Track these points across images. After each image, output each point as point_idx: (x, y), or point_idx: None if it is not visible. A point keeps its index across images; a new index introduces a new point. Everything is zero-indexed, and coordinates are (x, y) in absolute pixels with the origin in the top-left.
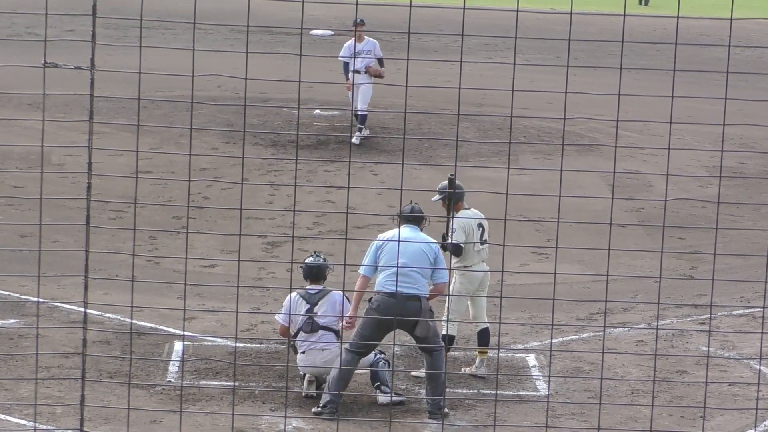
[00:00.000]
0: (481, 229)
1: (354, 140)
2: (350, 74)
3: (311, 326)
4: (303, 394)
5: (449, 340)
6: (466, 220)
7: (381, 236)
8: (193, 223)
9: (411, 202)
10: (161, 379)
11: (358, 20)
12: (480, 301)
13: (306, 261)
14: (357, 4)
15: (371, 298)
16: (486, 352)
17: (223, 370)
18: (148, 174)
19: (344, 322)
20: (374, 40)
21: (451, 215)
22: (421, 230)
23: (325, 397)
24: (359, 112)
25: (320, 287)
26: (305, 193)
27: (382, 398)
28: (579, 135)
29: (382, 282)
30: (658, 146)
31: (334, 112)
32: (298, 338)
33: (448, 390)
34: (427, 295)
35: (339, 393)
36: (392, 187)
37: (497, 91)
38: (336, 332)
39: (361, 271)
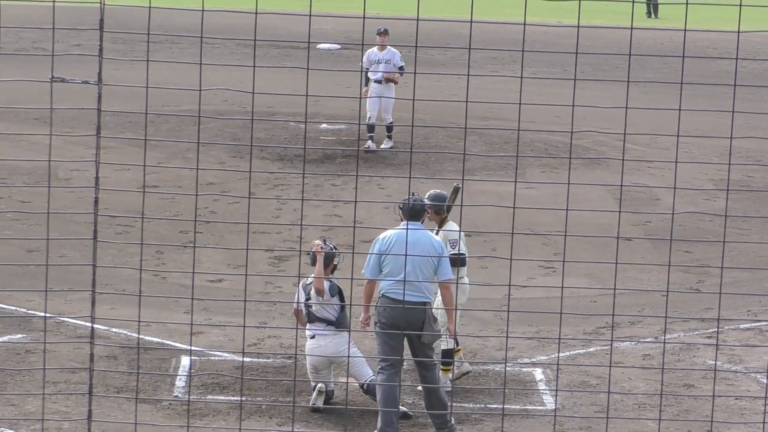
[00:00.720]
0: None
1: (378, 146)
2: (369, 83)
3: (308, 316)
4: (311, 405)
5: (448, 354)
6: (454, 230)
7: (382, 236)
8: (199, 237)
9: (413, 193)
10: (168, 393)
11: (382, 29)
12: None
13: (312, 250)
14: (364, 18)
15: (376, 309)
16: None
17: (230, 385)
18: (155, 188)
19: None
20: (395, 50)
21: (443, 226)
22: (422, 223)
23: (380, 424)
24: (387, 123)
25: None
26: (312, 207)
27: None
28: (586, 148)
29: (386, 288)
30: (665, 159)
31: (341, 126)
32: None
33: (455, 404)
34: (432, 300)
35: (394, 419)
36: (399, 201)
37: (504, 105)
38: (333, 323)
39: (366, 274)
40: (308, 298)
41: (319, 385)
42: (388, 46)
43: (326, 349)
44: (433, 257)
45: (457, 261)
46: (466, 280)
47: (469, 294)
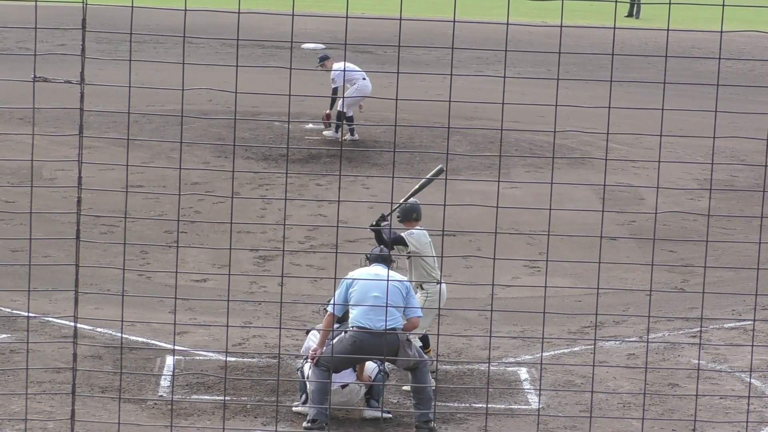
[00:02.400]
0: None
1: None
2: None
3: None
4: (294, 407)
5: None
6: (420, 234)
7: (351, 274)
8: (184, 237)
9: (380, 245)
10: (152, 393)
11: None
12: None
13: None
14: (347, 17)
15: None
16: (429, 351)
17: (214, 385)
18: (139, 188)
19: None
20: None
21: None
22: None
23: (312, 413)
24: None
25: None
26: (297, 206)
27: (369, 412)
28: (570, 148)
29: (357, 317)
30: (650, 159)
31: (327, 131)
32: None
33: (439, 404)
34: (402, 326)
35: (325, 407)
36: (383, 200)
37: (489, 105)
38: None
39: (329, 308)
40: None
41: (314, 415)
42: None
43: (354, 399)
44: (401, 293)
45: (393, 237)
46: (438, 283)
47: (446, 296)
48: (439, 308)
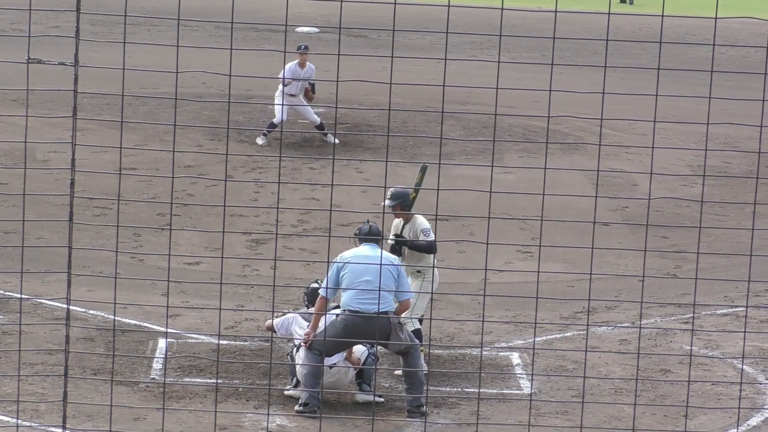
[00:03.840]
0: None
1: (334, 139)
2: (283, 96)
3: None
4: (286, 391)
5: (417, 334)
6: (426, 222)
7: (341, 256)
8: (177, 220)
9: (367, 221)
10: (145, 376)
11: (303, 47)
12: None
13: (311, 286)
14: (342, 1)
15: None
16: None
17: (206, 368)
18: (132, 171)
19: (302, 339)
20: (313, 67)
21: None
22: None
23: (304, 396)
24: (317, 124)
25: None
26: (290, 190)
27: (361, 396)
28: (564, 134)
29: (348, 301)
30: (643, 145)
31: (320, 110)
32: (297, 354)
33: (431, 388)
34: (394, 310)
35: (316, 390)
36: (377, 184)
37: (483, 90)
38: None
39: (321, 291)
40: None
41: (306, 398)
42: (308, 63)
43: (343, 380)
44: (392, 275)
45: (427, 248)
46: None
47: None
48: (432, 292)
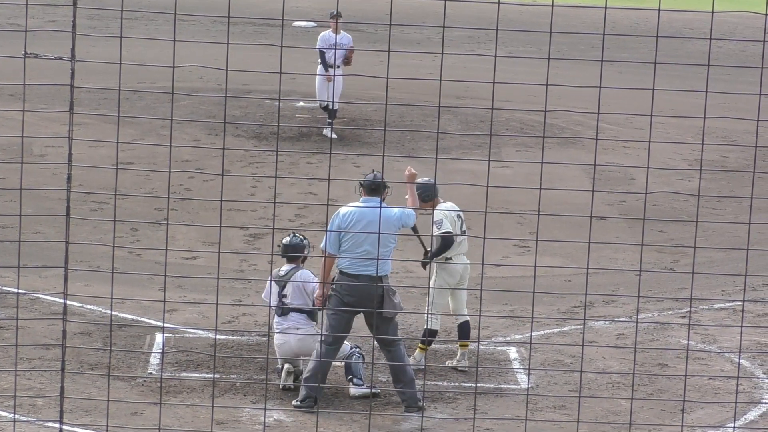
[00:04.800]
0: (460, 220)
1: (331, 134)
2: (328, 68)
3: (281, 310)
4: (281, 386)
5: (431, 333)
6: (447, 212)
7: (343, 211)
8: (174, 214)
9: (373, 170)
10: (142, 370)
11: (336, 12)
12: (460, 294)
13: (283, 241)
14: None
15: (333, 284)
16: (467, 345)
17: (204, 362)
18: (129, 165)
19: (314, 299)
20: (349, 36)
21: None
22: (383, 200)
23: (303, 391)
24: (336, 107)
25: (292, 266)
26: (287, 185)
27: (354, 390)
28: (561, 128)
29: (345, 264)
30: (640, 139)
31: (316, 104)
32: (274, 321)
33: (428, 383)
34: (389, 274)
35: (317, 386)
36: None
37: (480, 84)
38: (308, 313)
39: (323, 246)
40: (282, 291)
41: (287, 366)
42: (342, 31)
43: (302, 346)
44: (395, 227)
45: (441, 244)
46: (455, 260)
47: (463, 275)
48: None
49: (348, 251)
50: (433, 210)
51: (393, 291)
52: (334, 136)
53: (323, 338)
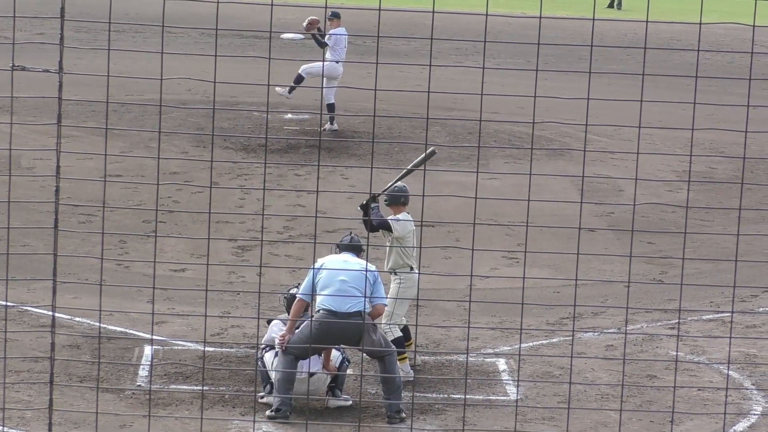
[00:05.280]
0: (413, 233)
1: (332, 124)
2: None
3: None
4: (260, 399)
5: (399, 342)
6: (406, 222)
7: (319, 262)
8: (162, 227)
9: (350, 232)
10: (131, 383)
11: (333, 13)
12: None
13: (290, 291)
14: (326, 7)
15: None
16: (410, 343)
17: (192, 375)
18: (117, 177)
19: (278, 341)
20: (344, 30)
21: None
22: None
23: (276, 402)
24: (331, 101)
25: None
26: (275, 197)
27: (333, 402)
28: (549, 139)
29: (323, 301)
30: (628, 150)
31: (305, 116)
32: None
33: (417, 394)
34: (368, 311)
35: (289, 396)
36: (362, 191)
37: (468, 96)
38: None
39: (298, 295)
40: None
41: (278, 404)
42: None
43: (321, 388)
44: (369, 280)
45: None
46: (416, 270)
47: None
48: (418, 298)
49: (324, 288)
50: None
51: (374, 327)
52: (336, 127)
53: (289, 348)
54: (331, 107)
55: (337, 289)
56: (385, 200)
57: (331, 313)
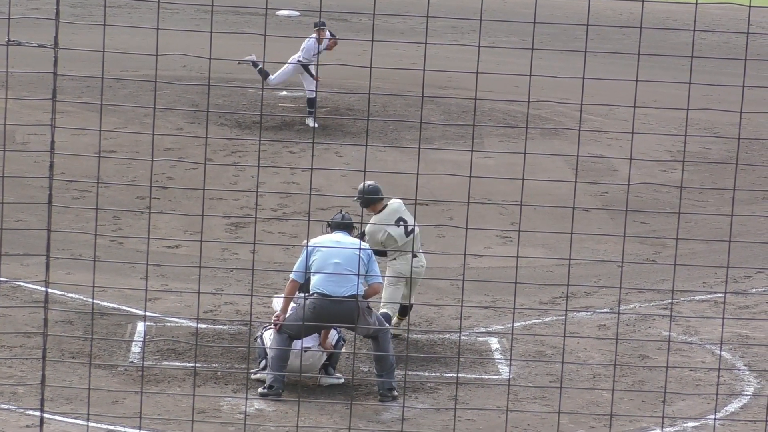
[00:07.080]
0: (404, 224)
1: (314, 124)
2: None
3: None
4: (252, 376)
5: (387, 319)
6: (376, 227)
7: (312, 241)
8: (156, 203)
9: (341, 210)
10: (123, 359)
11: (321, 23)
12: (413, 286)
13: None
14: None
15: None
16: (403, 319)
17: (185, 351)
18: (112, 153)
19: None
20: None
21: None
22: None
23: (269, 379)
24: (312, 97)
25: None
26: (270, 174)
27: (325, 380)
28: (544, 118)
29: (317, 284)
30: (623, 130)
31: (300, 93)
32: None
33: (409, 373)
34: (363, 294)
35: (282, 374)
36: (357, 168)
37: (463, 74)
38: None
39: (292, 275)
40: None
41: (271, 381)
42: (325, 40)
43: (316, 364)
44: (363, 260)
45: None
46: (398, 260)
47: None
48: (410, 277)
49: (318, 271)
50: (376, 214)
51: (369, 310)
52: (316, 125)
53: (283, 327)
54: (311, 102)
55: (332, 272)
56: (360, 203)
57: (326, 297)
